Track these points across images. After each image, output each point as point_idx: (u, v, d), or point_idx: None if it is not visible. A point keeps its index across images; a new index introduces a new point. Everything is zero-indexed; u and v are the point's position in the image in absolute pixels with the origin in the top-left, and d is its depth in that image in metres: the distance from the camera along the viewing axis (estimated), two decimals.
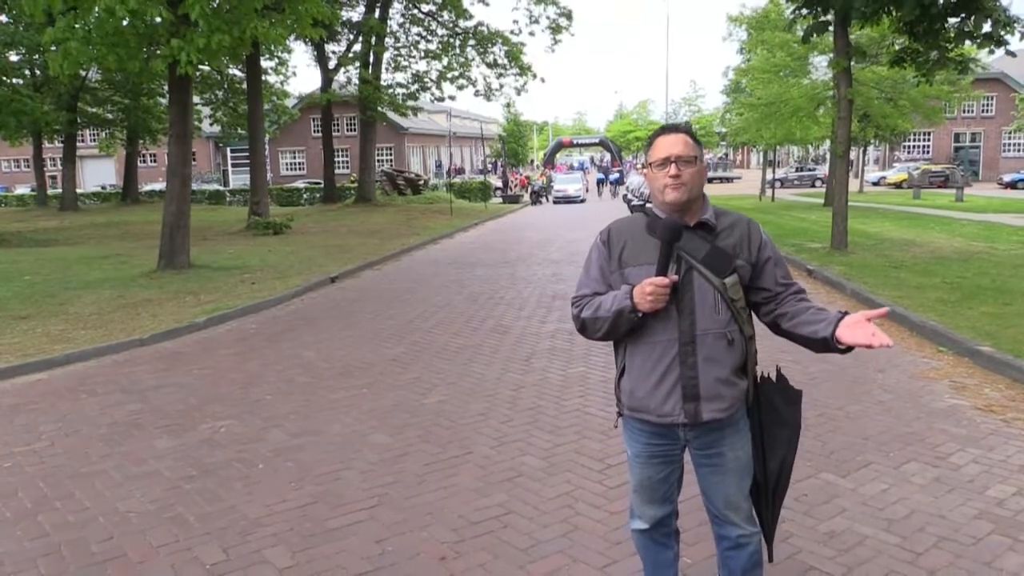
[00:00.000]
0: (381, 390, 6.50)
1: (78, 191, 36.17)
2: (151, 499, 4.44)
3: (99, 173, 57.69)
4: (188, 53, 11.73)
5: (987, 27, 12.19)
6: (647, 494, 2.80)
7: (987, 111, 49.47)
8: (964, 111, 41.80)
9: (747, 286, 2.63)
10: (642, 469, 2.77)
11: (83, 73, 27.53)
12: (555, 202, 39.64)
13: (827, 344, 2.50)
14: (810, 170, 53.80)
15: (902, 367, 6.83)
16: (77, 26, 11.84)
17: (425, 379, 6.79)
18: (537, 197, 40.36)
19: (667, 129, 2.68)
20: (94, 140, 41.93)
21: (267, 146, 25.69)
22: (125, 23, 11.93)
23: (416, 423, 5.61)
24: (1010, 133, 49.34)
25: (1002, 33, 12.17)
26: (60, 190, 35.39)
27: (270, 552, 3.79)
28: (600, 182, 50.37)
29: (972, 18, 12.19)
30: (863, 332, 2.42)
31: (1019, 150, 50.85)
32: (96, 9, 11.49)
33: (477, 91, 29.17)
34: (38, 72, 28.72)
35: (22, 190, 51.04)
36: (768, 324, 2.71)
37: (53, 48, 12.12)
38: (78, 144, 34.62)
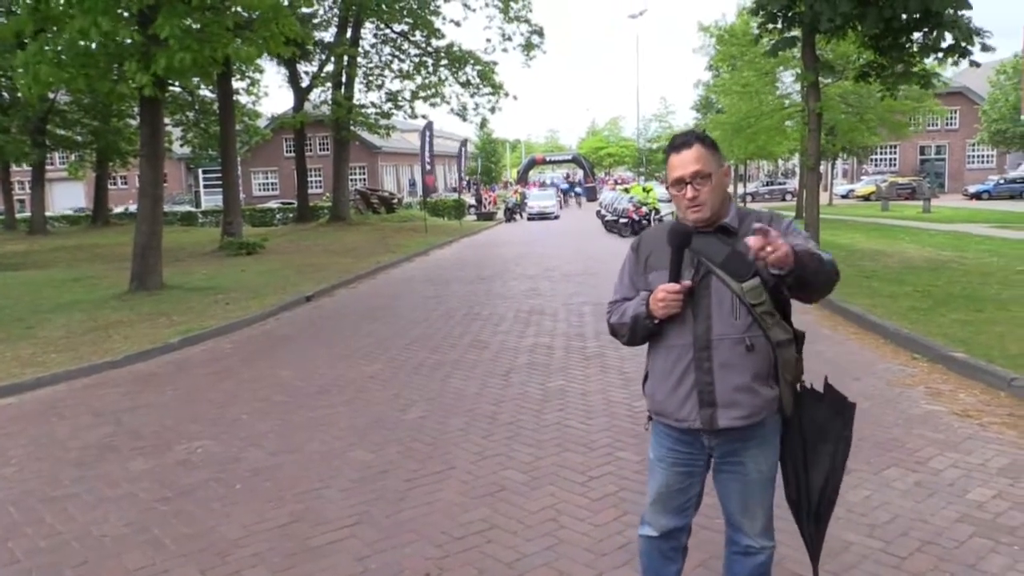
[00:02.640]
0: (360, 407, 6.44)
1: (47, 214, 35.63)
2: (126, 522, 4.35)
3: (69, 196, 56.90)
4: (153, 72, 11.62)
5: (949, 40, 12.43)
6: (663, 502, 2.75)
7: (951, 124, 50.43)
8: (929, 124, 42.59)
9: (774, 287, 2.49)
10: (663, 475, 2.73)
11: (52, 95, 27.20)
12: (529, 219, 39.70)
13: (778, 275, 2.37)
14: (780, 184, 54.46)
15: (878, 374, 6.89)
16: (47, 48, 11.71)
17: (404, 396, 6.73)
18: (511, 214, 40.40)
19: (678, 146, 2.57)
20: (63, 163, 41.39)
21: (239, 167, 25.49)
22: (95, 45, 11.84)
23: (396, 439, 5.55)
24: (974, 145, 50.31)
25: (964, 45, 12.41)
26: (28, 213, 34.82)
27: (249, 573, 3.72)
28: (565, 192, 56.78)
29: (935, 32, 12.44)
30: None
31: (983, 162, 51.84)
32: (67, 32, 11.35)
33: (452, 109, 29.25)
34: (5, 95, 28.34)
35: None
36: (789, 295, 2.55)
37: (22, 70, 11.94)
38: (47, 167, 34.15)
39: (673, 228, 2.52)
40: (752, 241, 2.29)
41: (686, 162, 2.52)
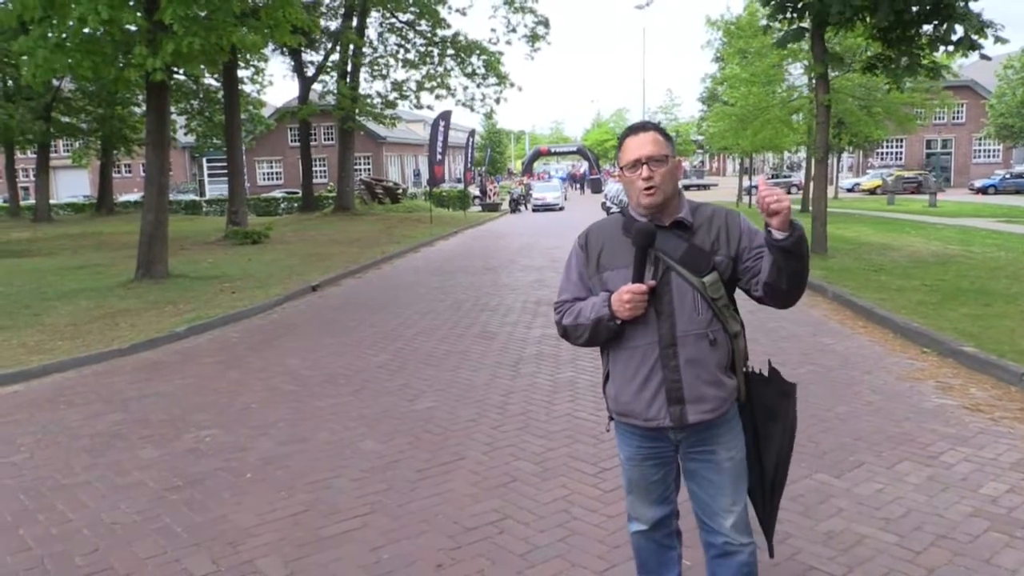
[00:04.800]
0: (369, 397, 6.43)
1: (52, 202, 35.65)
2: (136, 510, 4.34)
3: (73, 184, 56.95)
4: (160, 58, 11.58)
5: (959, 32, 12.35)
6: (644, 496, 2.75)
7: (958, 118, 50.17)
8: (936, 118, 42.40)
9: (728, 280, 2.56)
10: (636, 472, 2.72)
11: (56, 83, 27.16)
12: (534, 210, 39.63)
13: (773, 246, 2.37)
14: (785, 177, 54.29)
15: (888, 368, 6.87)
16: (51, 35, 11.66)
17: (413, 386, 6.72)
18: (516, 205, 40.33)
19: (636, 129, 2.62)
20: (67, 151, 41.42)
21: (244, 156, 25.48)
22: (100, 31, 11.78)
23: (406, 429, 5.54)
24: (980, 139, 50.10)
25: (975, 38, 12.33)
26: (33, 201, 34.86)
27: (262, 562, 3.71)
28: (563, 180, 59.79)
29: (945, 25, 12.36)
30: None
31: (989, 156, 51.64)
32: (70, 18, 11.30)
33: (458, 100, 29.13)
34: (10, 82, 28.30)
35: None
36: (760, 296, 2.53)
37: (25, 57, 11.89)
38: (51, 155, 34.15)
39: (637, 228, 2.49)
40: (762, 183, 2.35)
41: (643, 143, 2.53)
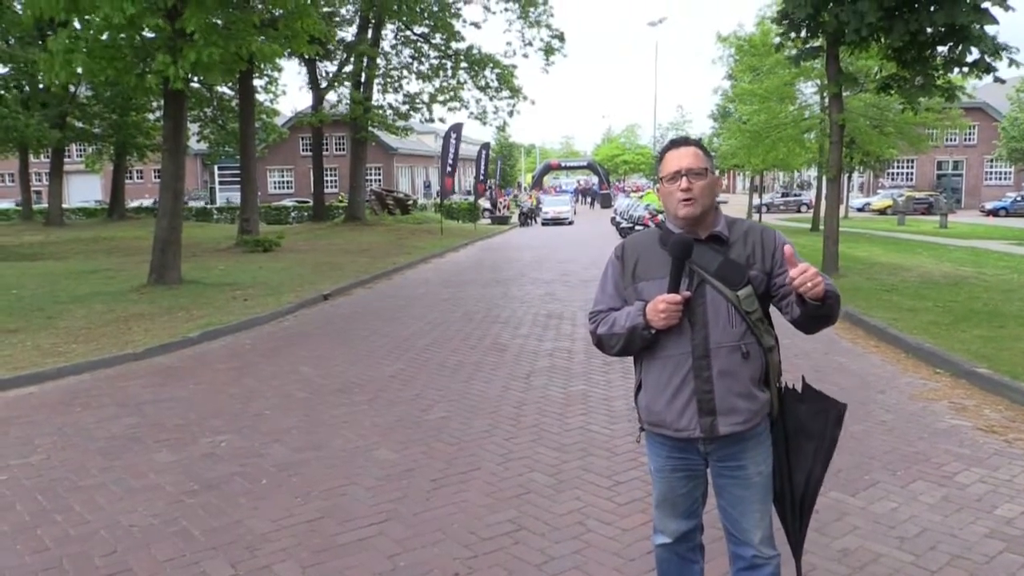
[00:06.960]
0: (382, 406, 6.45)
1: (64, 206, 35.85)
2: (154, 513, 4.37)
3: (85, 189, 57.30)
4: (180, 67, 11.69)
5: (974, 55, 12.38)
6: (670, 508, 2.77)
7: (970, 140, 50.17)
8: (947, 139, 42.43)
9: (763, 294, 2.59)
10: (665, 483, 2.75)
11: (72, 88, 27.41)
12: (544, 224, 39.73)
13: (806, 302, 2.42)
14: (796, 196, 54.30)
15: (901, 388, 6.87)
16: (74, 38, 11.77)
17: (426, 395, 6.75)
18: (526, 218, 40.43)
19: (677, 143, 2.68)
20: (80, 156, 41.72)
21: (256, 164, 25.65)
22: (122, 36, 11.90)
23: (420, 439, 5.57)
24: (992, 161, 50.05)
25: (990, 61, 12.36)
26: (45, 205, 35.05)
27: (280, 567, 3.73)
28: (572, 194, 60.39)
29: (960, 46, 12.39)
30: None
31: (1001, 178, 51.60)
32: (94, 19, 11.38)
33: (471, 113, 29.25)
34: (26, 87, 28.54)
35: (6, 204, 50.55)
36: (792, 321, 2.60)
37: (48, 55, 11.98)
38: (65, 159, 34.37)
39: (675, 240, 2.53)
40: (795, 274, 2.36)
41: (683, 156, 2.59)
